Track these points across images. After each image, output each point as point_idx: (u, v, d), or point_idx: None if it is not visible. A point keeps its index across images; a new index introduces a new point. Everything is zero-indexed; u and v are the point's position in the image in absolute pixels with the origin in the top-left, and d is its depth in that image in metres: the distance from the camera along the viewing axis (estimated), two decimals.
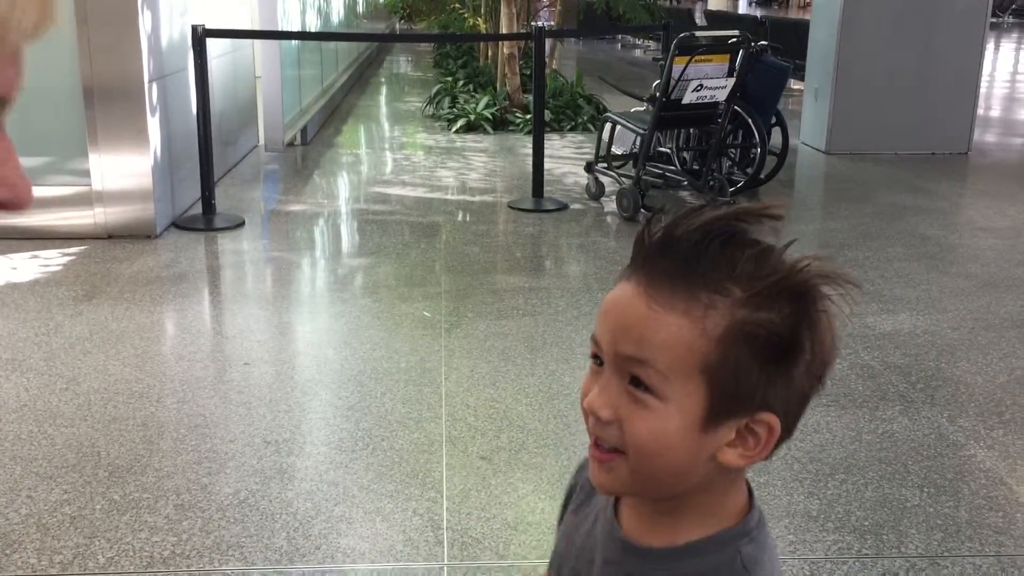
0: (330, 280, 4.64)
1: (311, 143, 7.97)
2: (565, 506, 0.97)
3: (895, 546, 2.43)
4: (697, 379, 0.74)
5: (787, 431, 0.78)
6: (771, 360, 0.74)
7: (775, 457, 2.79)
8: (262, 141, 7.49)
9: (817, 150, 7.82)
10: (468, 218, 5.78)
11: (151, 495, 2.58)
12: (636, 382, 0.75)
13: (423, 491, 2.64)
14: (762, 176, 6.11)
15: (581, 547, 0.89)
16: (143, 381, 3.28)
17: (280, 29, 7.28)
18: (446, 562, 2.34)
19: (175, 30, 5.32)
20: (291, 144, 7.65)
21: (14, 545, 2.34)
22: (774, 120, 6.27)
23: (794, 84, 9.42)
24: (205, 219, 5.27)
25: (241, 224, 5.29)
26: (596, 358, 0.79)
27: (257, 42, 7.41)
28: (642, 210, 5.58)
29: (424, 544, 2.40)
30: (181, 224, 5.19)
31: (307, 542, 2.40)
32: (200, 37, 5.15)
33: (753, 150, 6.02)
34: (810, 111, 8.09)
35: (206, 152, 5.26)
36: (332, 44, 10.40)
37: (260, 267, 4.80)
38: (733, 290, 0.73)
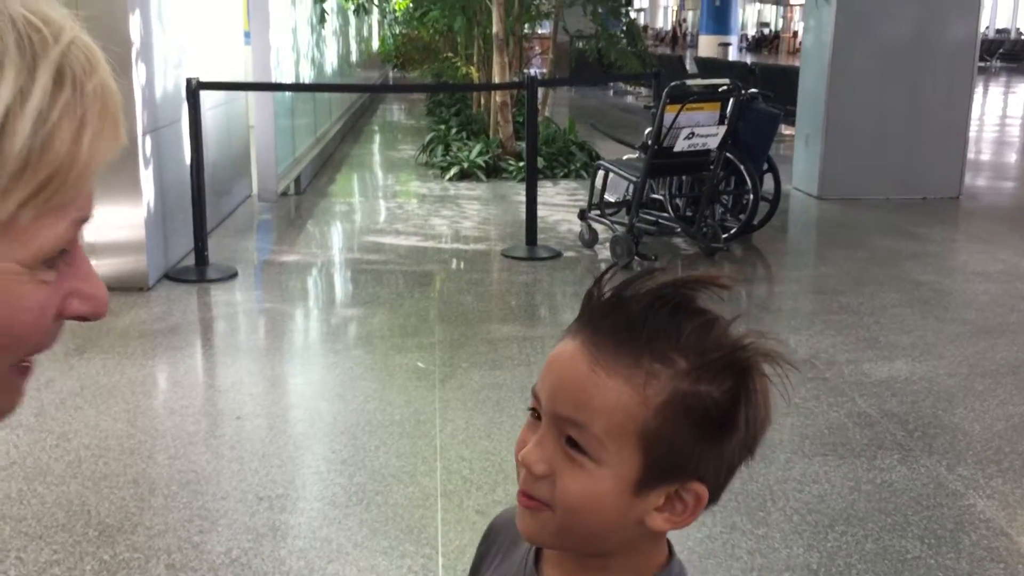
0: (323, 331, 4.62)
1: (305, 192, 7.99)
2: (474, 572, 0.95)
3: None
4: (633, 445, 0.74)
5: (714, 498, 0.79)
6: (708, 432, 0.74)
7: (773, 509, 2.76)
8: (256, 191, 7.52)
9: (809, 195, 7.87)
10: (462, 266, 5.79)
11: (142, 555, 2.54)
12: (572, 442, 0.75)
13: (418, 547, 2.61)
14: (755, 222, 6.14)
15: None
16: (135, 436, 3.25)
17: (273, 80, 7.34)
18: None
19: (169, 82, 5.36)
20: (285, 194, 7.67)
21: None
22: (766, 166, 6.31)
23: (785, 130, 9.51)
24: (198, 270, 5.26)
25: (234, 275, 5.28)
26: (534, 411, 0.78)
27: (251, 92, 7.47)
28: (636, 257, 5.59)
29: None
30: (174, 276, 5.19)
31: None
32: (194, 90, 5.19)
33: (746, 196, 6.05)
34: (802, 157, 8.15)
35: (199, 203, 5.26)
36: (326, 93, 10.48)
37: (253, 319, 4.78)
38: (677, 361, 0.74)
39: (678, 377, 0.73)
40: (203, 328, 4.63)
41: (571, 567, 0.82)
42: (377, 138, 12.64)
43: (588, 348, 0.75)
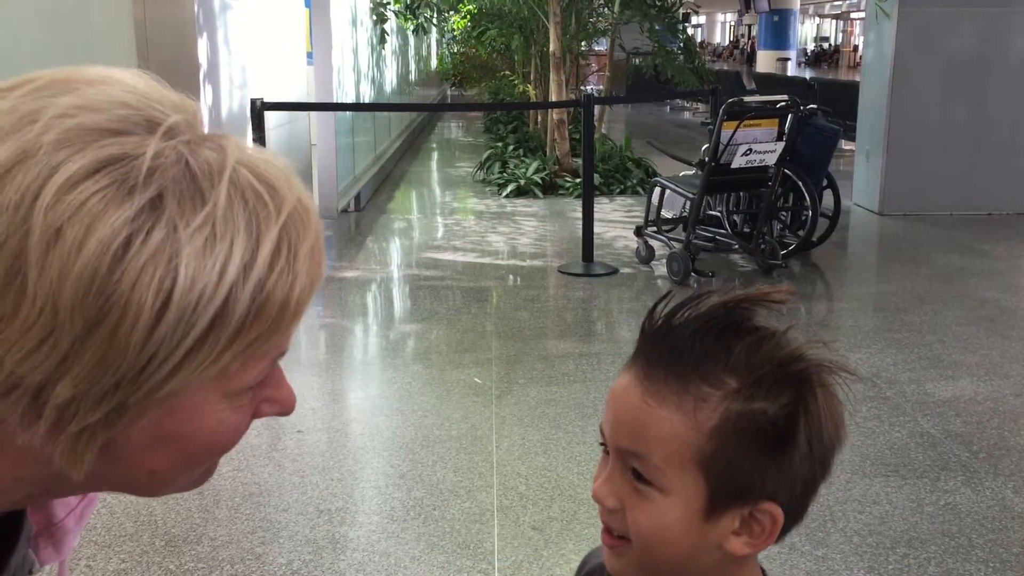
0: (382, 346, 4.68)
1: (364, 209, 8.11)
2: None
3: None
4: (694, 472, 0.74)
5: (795, 517, 0.78)
6: (767, 451, 0.74)
7: (833, 529, 2.73)
8: (317, 207, 7.64)
9: (870, 211, 7.76)
10: (518, 283, 5.82)
11: (206, 565, 2.60)
12: (637, 474, 0.76)
13: (475, 562, 2.63)
14: (814, 239, 6.08)
15: None
16: None
17: (335, 99, 7.47)
18: None
19: (235, 103, 5.49)
20: (345, 211, 7.80)
21: None
22: (826, 182, 6.25)
23: (845, 145, 9.39)
24: None
25: None
26: (604, 446, 0.80)
27: (313, 112, 7.61)
28: (693, 274, 5.56)
29: None
30: None
31: None
32: (259, 110, 5.31)
33: (804, 213, 5.99)
34: (862, 172, 8.05)
35: None
36: (385, 112, 10.64)
37: (314, 334, 4.87)
38: (727, 381, 0.73)
39: (729, 398, 0.73)
40: None
41: None
42: (435, 155, 12.77)
43: (640, 380, 0.76)
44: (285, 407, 0.71)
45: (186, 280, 0.57)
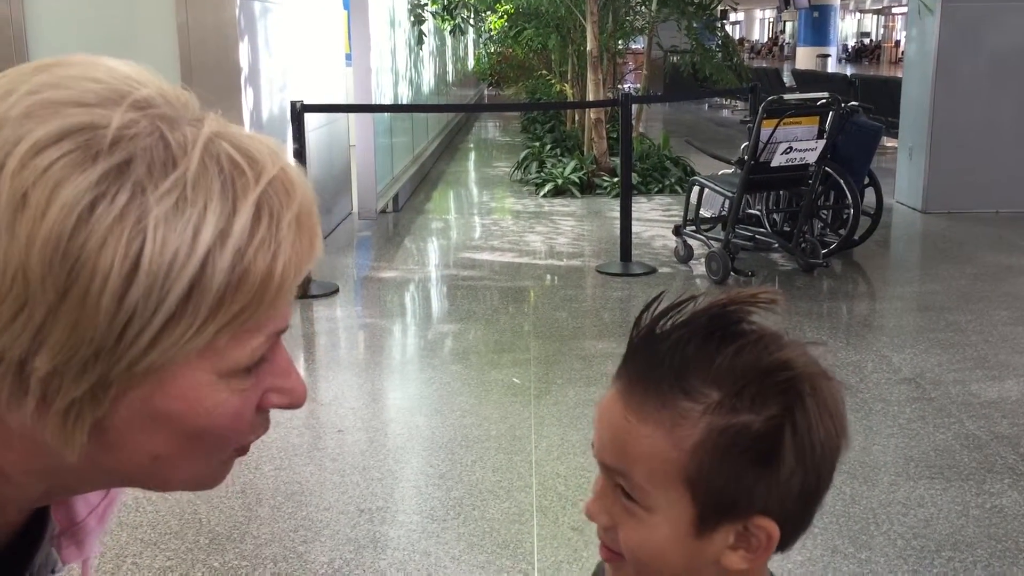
0: (421, 346, 4.71)
1: (403, 210, 8.15)
2: None
3: None
4: (679, 489, 0.71)
5: (797, 526, 0.75)
6: (753, 466, 0.70)
7: (877, 532, 2.69)
8: (355, 208, 7.71)
9: (913, 209, 7.66)
10: (556, 282, 5.82)
11: (249, 563, 2.64)
12: (624, 491, 0.73)
13: (515, 562, 2.63)
14: (856, 237, 6.01)
15: None
16: None
17: (374, 100, 7.52)
18: None
19: (275, 105, 5.55)
20: (384, 211, 7.84)
21: None
22: (867, 180, 6.17)
23: (888, 142, 9.27)
24: (301, 286, 5.38)
25: (335, 291, 5.43)
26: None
27: (352, 114, 7.67)
28: (733, 273, 5.52)
29: None
30: None
31: None
32: (299, 112, 5.36)
33: (846, 211, 5.93)
34: (905, 170, 7.94)
35: None
36: (423, 112, 10.68)
37: (353, 334, 4.90)
38: (708, 393, 0.70)
39: (711, 412, 0.69)
40: (306, 343, 4.76)
41: None
42: (472, 155, 12.80)
43: (622, 394, 0.73)
44: (294, 398, 0.69)
45: (155, 244, 0.56)
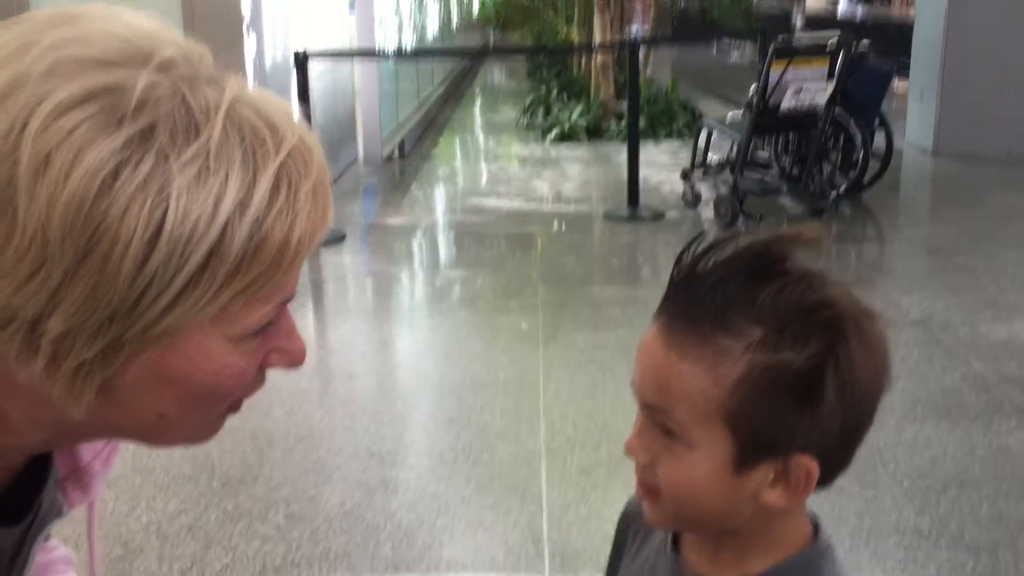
0: (428, 292, 4.72)
1: (408, 156, 8.11)
2: (614, 559, 0.95)
3: (1012, 564, 2.34)
4: (719, 426, 0.71)
5: (837, 465, 0.75)
6: (793, 404, 0.70)
7: (883, 473, 2.70)
8: (361, 155, 7.67)
9: (924, 151, 7.59)
10: (564, 228, 5.80)
11: (262, 505, 2.67)
12: (665, 428, 0.74)
13: (523, 504, 2.66)
14: (865, 180, 5.96)
15: None
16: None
17: (377, 47, 7.44)
18: (547, 574, 2.35)
19: (278, 53, 5.50)
20: (389, 158, 7.80)
21: (136, 552, 2.45)
22: (878, 122, 6.11)
23: (899, 83, 9.15)
24: None
25: (342, 238, 5.42)
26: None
27: (356, 61, 7.59)
28: (741, 217, 5.50)
29: (525, 556, 2.42)
30: None
31: (411, 552, 2.45)
32: (302, 60, 5.31)
33: (855, 154, 5.87)
34: (916, 112, 7.85)
35: None
36: (428, 58, 10.57)
37: (361, 281, 4.91)
38: (750, 331, 0.70)
39: (752, 349, 0.69)
40: (314, 290, 4.78)
41: (709, 548, 0.81)
42: (478, 101, 12.70)
43: (663, 332, 0.73)
44: (295, 358, 0.70)
45: (177, 212, 0.56)
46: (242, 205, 0.58)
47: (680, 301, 0.73)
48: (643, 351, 0.76)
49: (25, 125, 0.55)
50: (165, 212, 0.56)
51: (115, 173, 0.55)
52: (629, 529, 0.93)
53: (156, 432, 0.68)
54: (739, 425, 0.71)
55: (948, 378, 3.42)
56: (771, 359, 0.69)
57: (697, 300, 0.72)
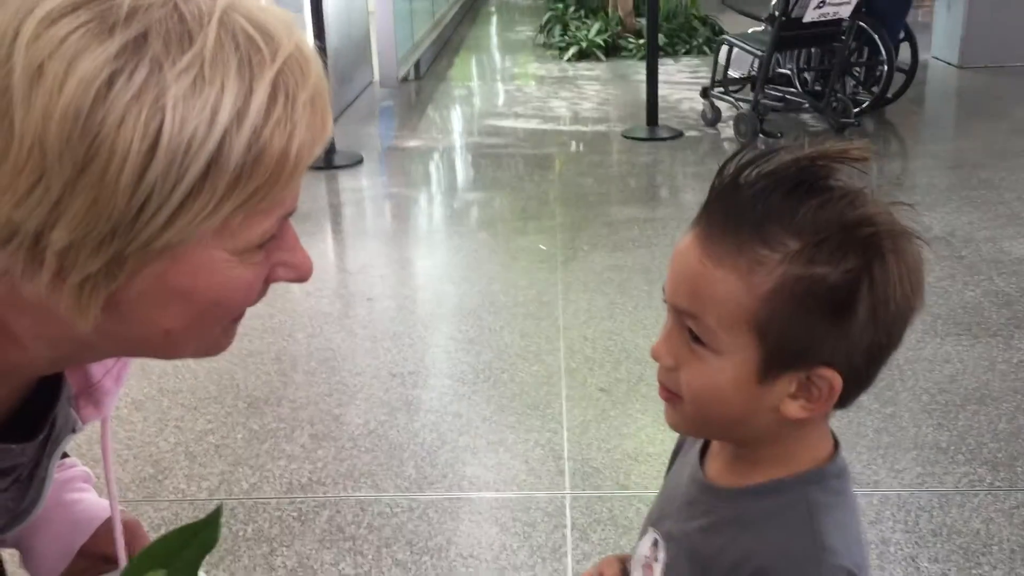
0: (447, 215, 4.71)
1: (424, 77, 8.01)
2: (672, 458, 0.98)
3: None
4: (748, 334, 0.72)
5: (860, 382, 0.76)
6: (824, 317, 0.71)
7: (902, 388, 2.71)
8: (377, 77, 7.57)
9: (949, 64, 7.41)
10: (582, 149, 5.75)
11: (287, 425, 2.72)
12: (693, 334, 0.75)
13: (544, 422, 2.70)
14: (889, 95, 5.84)
15: (669, 489, 0.92)
16: (275, 317, 3.43)
17: None
18: (568, 491, 2.39)
19: None
20: (405, 79, 7.70)
21: (165, 471, 2.51)
22: (903, 34, 5.96)
23: None
24: (325, 157, 5.39)
25: (360, 161, 5.40)
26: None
27: None
28: (761, 135, 5.42)
29: (546, 474, 2.46)
30: None
31: (434, 471, 2.49)
32: None
33: (879, 68, 5.74)
34: (942, 23, 7.64)
35: None
36: None
37: (379, 203, 4.91)
38: (788, 243, 0.70)
39: (788, 261, 0.70)
40: (332, 213, 4.78)
41: (727, 458, 0.83)
42: (494, 20, 12.47)
43: (700, 239, 0.74)
44: (300, 272, 0.71)
45: (174, 122, 0.56)
46: (239, 115, 0.58)
47: (720, 210, 0.74)
48: (678, 256, 0.77)
49: (17, 34, 0.55)
50: (161, 122, 0.56)
51: (109, 82, 0.55)
52: None
53: (163, 346, 0.69)
54: (768, 334, 0.72)
55: (969, 294, 3.40)
56: (806, 271, 0.70)
57: (737, 209, 0.73)
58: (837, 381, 0.74)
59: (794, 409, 0.75)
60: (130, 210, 0.57)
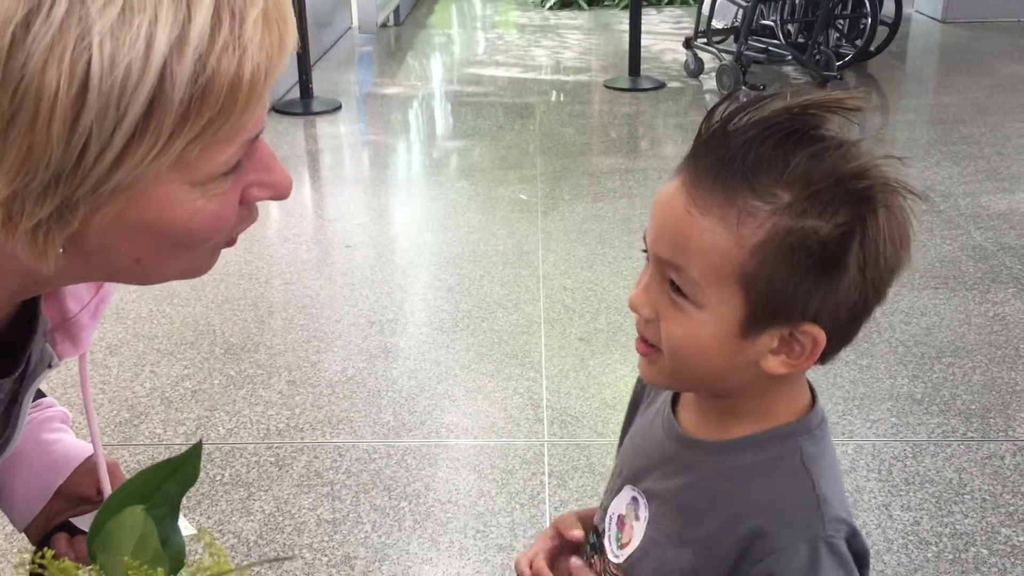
0: (426, 163, 4.66)
1: (404, 23, 7.89)
2: (630, 413, 0.96)
3: (1002, 430, 2.39)
4: (733, 287, 0.70)
5: (841, 339, 0.74)
6: (813, 272, 0.69)
7: (879, 340, 2.73)
8: (355, 22, 7.45)
9: (932, 19, 7.38)
10: (563, 98, 5.69)
11: (265, 371, 2.71)
12: (674, 286, 0.72)
13: (523, 371, 2.70)
14: (872, 48, 5.82)
15: (640, 445, 0.89)
16: (252, 263, 3.39)
17: None
18: (547, 438, 2.40)
19: None
20: (384, 25, 7.59)
21: (141, 416, 2.49)
22: None
23: None
24: (303, 103, 5.32)
25: (338, 108, 5.33)
26: (646, 252, 0.76)
27: None
28: (743, 87, 5.39)
29: (525, 421, 2.47)
30: (280, 108, 5.25)
31: (412, 418, 2.49)
32: None
33: (863, 21, 5.72)
34: None
35: (302, 36, 5.24)
36: None
37: (358, 151, 4.85)
38: (779, 195, 0.68)
39: (779, 213, 0.68)
40: (310, 160, 4.72)
41: (703, 410, 0.82)
42: None
43: (686, 186, 0.71)
44: (278, 190, 0.67)
45: (102, 60, 0.51)
46: (179, 42, 0.53)
47: (708, 157, 0.71)
48: (661, 204, 0.74)
49: None
50: (88, 63, 0.51)
51: (25, 24, 0.51)
52: (646, 385, 0.94)
53: (137, 274, 0.66)
54: (754, 288, 0.70)
55: (947, 247, 3.42)
56: (797, 224, 0.68)
57: (727, 158, 0.70)
58: (821, 337, 0.72)
59: (775, 365, 0.74)
60: (69, 156, 0.53)
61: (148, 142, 0.54)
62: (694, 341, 0.73)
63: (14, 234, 0.57)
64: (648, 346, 0.77)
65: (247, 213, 0.67)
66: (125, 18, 0.52)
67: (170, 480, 0.66)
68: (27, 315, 0.76)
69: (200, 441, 0.68)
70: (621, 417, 2.41)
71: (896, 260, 0.72)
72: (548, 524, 2.08)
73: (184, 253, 0.66)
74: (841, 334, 0.74)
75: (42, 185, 0.55)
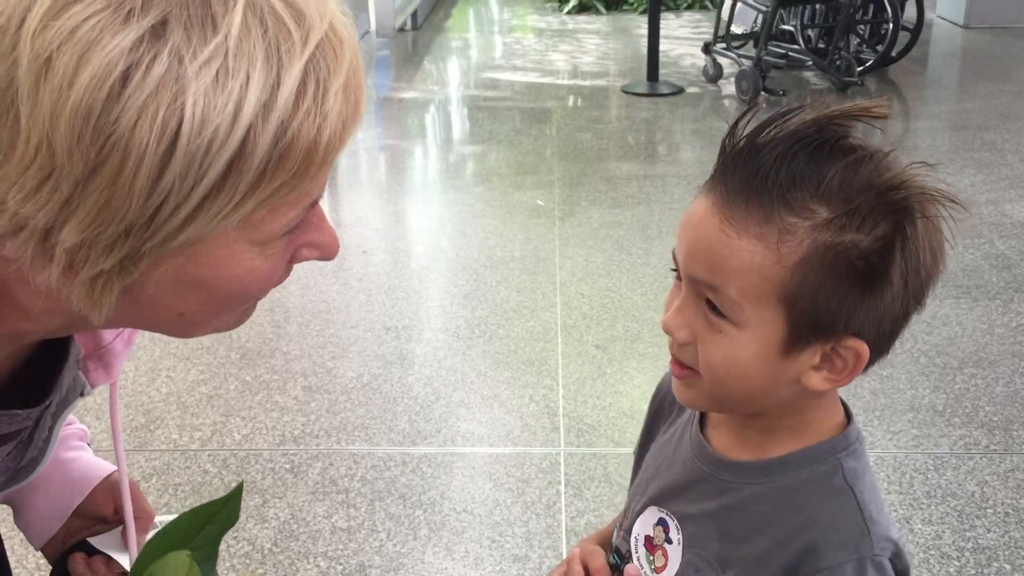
0: (442, 168, 4.65)
1: (421, 27, 7.90)
2: (648, 431, 0.94)
3: None
4: (774, 306, 0.69)
5: (880, 351, 0.73)
6: (856, 286, 0.68)
7: (900, 350, 2.68)
8: (373, 26, 7.47)
9: (954, 24, 7.32)
10: (580, 103, 5.68)
11: (280, 377, 2.70)
12: (712, 306, 0.71)
13: (539, 379, 2.68)
14: (893, 54, 5.77)
15: (665, 465, 0.86)
16: None
17: None
18: (563, 447, 2.38)
19: None
20: (402, 29, 7.60)
21: (157, 421, 2.49)
22: None
23: None
24: None
25: None
26: (676, 271, 0.74)
27: None
28: (763, 92, 5.36)
29: (541, 430, 2.45)
30: None
31: (428, 425, 2.48)
32: None
33: (884, 26, 5.67)
34: None
35: None
36: None
37: (374, 155, 4.85)
38: (816, 210, 0.66)
39: (818, 229, 0.66)
40: None
41: (735, 429, 0.80)
42: None
43: (719, 206, 0.70)
44: (326, 252, 0.67)
45: (194, 121, 0.51)
46: (265, 108, 0.53)
47: (738, 175, 0.69)
48: (693, 224, 0.72)
49: (23, 22, 0.50)
50: (180, 122, 0.51)
51: (124, 78, 0.50)
52: (665, 401, 0.92)
53: (178, 327, 0.66)
54: (796, 305, 0.68)
55: (970, 256, 3.38)
56: (838, 239, 0.66)
57: (758, 174, 0.68)
58: (864, 350, 0.70)
59: (817, 381, 0.72)
60: (145, 211, 0.53)
61: (222, 201, 0.55)
62: (736, 363, 0.71)
63: (73, 280, 0.57)
64: (684, 368, 0.75)
65: (286, 274, 0.67)
66: (219, 81, 0.52)
67: (212, 522, 0.66)
68: (59, 341, 0.75)
69: (241, 483, 0.68)
70: (638, 427, 2.37)
71: (934, 268, 0.71)
72: (563, 534, 2.07)
73: (230, 310, 0.66)
74: (881, 346, 0.73)
75: (112, 236, 0.54)
